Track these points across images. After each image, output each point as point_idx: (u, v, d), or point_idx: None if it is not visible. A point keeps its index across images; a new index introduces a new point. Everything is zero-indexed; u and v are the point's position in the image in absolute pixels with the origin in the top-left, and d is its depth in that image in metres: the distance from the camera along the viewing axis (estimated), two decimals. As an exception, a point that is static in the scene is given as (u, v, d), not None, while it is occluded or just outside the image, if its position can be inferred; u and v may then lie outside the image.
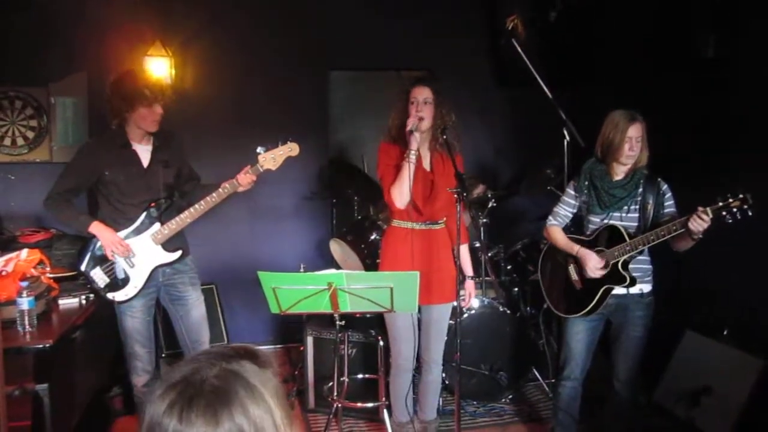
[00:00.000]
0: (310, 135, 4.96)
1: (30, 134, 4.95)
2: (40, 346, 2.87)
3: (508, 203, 5.21)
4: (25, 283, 3.00)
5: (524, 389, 4.51)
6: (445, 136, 3.30)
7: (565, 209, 3.52)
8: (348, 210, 5.14)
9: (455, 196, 3.09)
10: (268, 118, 5.24)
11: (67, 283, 3.70)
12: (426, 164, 3.43)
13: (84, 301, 3.49)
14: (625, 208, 3.30)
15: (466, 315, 4.23)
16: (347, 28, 5.40)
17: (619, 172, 3.32)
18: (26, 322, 2.96)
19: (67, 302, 3.47)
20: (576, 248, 3.38)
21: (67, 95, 5.00)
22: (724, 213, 2.85)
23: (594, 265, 3.28)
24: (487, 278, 4.52)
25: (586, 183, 3.39)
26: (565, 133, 4.36)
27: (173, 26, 5.08)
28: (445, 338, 3.62)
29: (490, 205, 4.65)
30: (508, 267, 4.78)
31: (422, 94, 3.33)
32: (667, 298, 4.38)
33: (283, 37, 5.34)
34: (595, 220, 3.38)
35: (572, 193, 3.48)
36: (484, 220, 4.62)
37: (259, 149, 3.40)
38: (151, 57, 4.97)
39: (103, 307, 3.57)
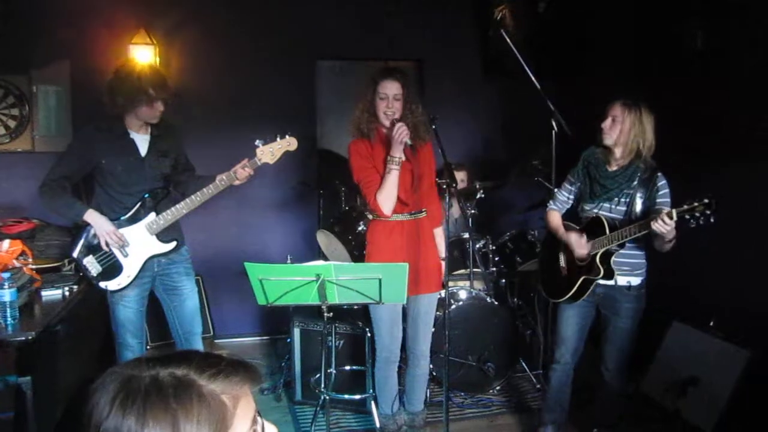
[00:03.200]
0: (297, 125, 4.87)
1: (11, 123, 4.86)
2: (23, 338, 2.82)
3: (495, 194, 5.20)
4: (6, 275, 2.95)
5: (512, 380, 4.50)
6: (434, 126, 3.28)
7: (563, 194, 3.55)
8: (335, 201, 5.10)
9: (442, 186, 3.08)
10: (254, 107, 5.20)
11: (49, 275, 3.65)
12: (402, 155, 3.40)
13: (67, 293, 3.44)
14: (615, 199, 3.28)
15: (453, 306, 4.22)
16: (335, 18, 5.36)
17: (614, 161, 3.28)
18: (8, 314, 2.91)
19: (50, 294, 3.42)
20: (561, 231, 3.43)
21: (50, 83, 4.92)
22: (687, 216, 2.80)
23: (576, 242, 3.29)
24: (475, 269, 4.50)
25: (583, 170, 3.39)
26: (554, 124, 4.35)
27: (158, 14, 5.01)
28: (432, 329, 3.61)
29: (478, 196, 4.63)
30: (496, 258, 4.77)
31: (392, 90, 3.29)
32: (653, 288, 4.41)
33: (270, 26, 5.29)
34: (587, 208, 3.39)
35: (570, 178, 3.51)
36: (473, 211, 4.60)
37: (257, 142, 3.37)
38: (136, 45, 4.89)
39: (88, 299, 3.52)
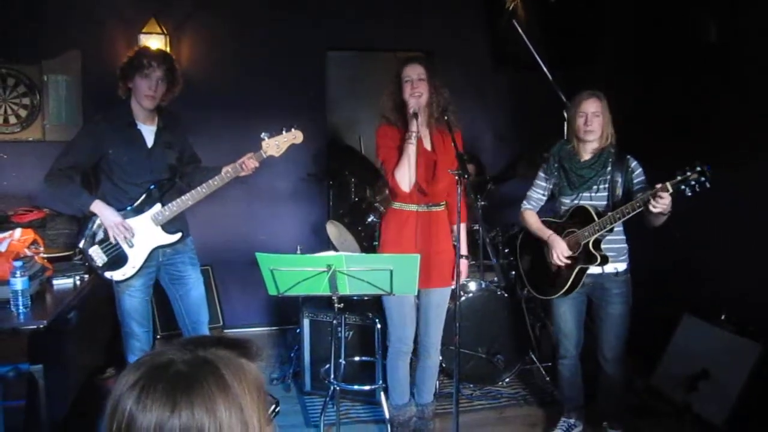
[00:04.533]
0: (308, 116, 4.91)
1: (22, 112, 4.87)
2: (35, 326, 2.83)
3: (505, 186, 5.18)
4: (18, 263, 2.96)
5: (521, 372, 4.49)
6: (446, 117, 3.26)
7: (537, 192, 3.59)
8: (345, 192, 5.10)
9: (456, 177, 3.06)
10: (264, 98, 5.18)
11: (60, 263, 3.66)
12: (427, 144, 3.39)
13: (78, 282, 3.45)
14: (594, 187, 3.36)
15: (463, 298, 4.21)
16: (345, 8, 5.34)
17: (586, 152, 3.38)
18: (20, 303, 2.92)
19: (61, 282, 3.44)
20: (548, 234, 3.45)
21: (61, 73, 4.92)
22: (683, 187, 2.88)
23: (560, 252, 3.36)
24: (485, 261, 4.49)
25: (556, 165, 3.45)
26: (565, 115, 4.32)
27: (168, 3, 5.00)
28: (443, 322, 3.60)
29: (488, 188, 4.62)
30: (506, 250, 4.76)
31: (415, 71, 3.29)
32: (664, 281, 4.39)
33: (281, 16, 5.27)
34: (566, 201, 3.44)
35: (543, 176, 3.56)
36: (483, 203, 4.59)
37: (263, 135, 3.37)
38: (146, 35, 4.88)
39: (98, 288, 3.53)
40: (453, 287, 3.39)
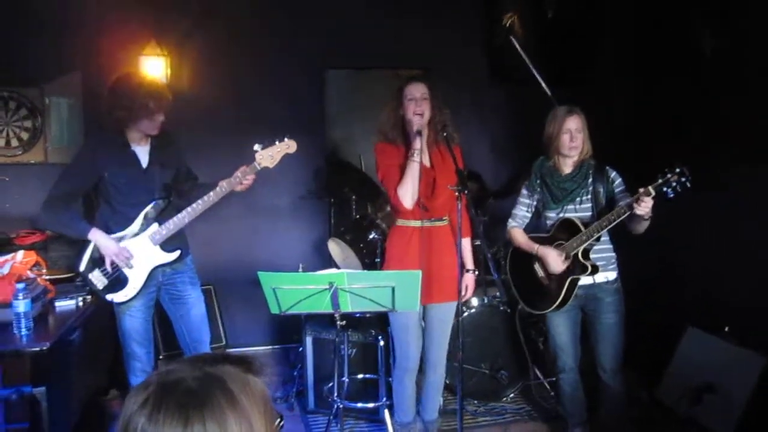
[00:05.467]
0: (307, 134, 4.92)
1: (24, 135, 4.90)
2: (37, 348, 2.83)
3: (506, 201, 5.19)
4: (21, 285, 2.96)
5: (525, 388, 4.47)
6: (445, 134, 3.28)
7: (522, 210, 3.63)
8: (346, 209, 5.10)
9: (454, 192, 3.08)
10: (264, 116, 5.20)
11: (63, 285, 3.66)
12: (426, 161, 3.40)
13: (81, 303, 3.45)
14: (578, 199, 3.43)
15: (466, 314, 4.20)
16: (344, 26, 5.37)
17: (567, 166, 3.45)
18: (23, 325, 2.92)
19: (64, 304, 3.44)
20: (536, 247, 3.49)
21: (62, 95, 4.95)
22: (665, 189, 2.98)
23: (554, 260, 3.39)
24: (487, 276, 4.49)
25: (538, 181, 3.52)
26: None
27: (168, 25, 5.03)
28: (449, 338, 3.59)
29: (488, 202, 4.63)
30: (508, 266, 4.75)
31: (419, 91, 3.32)
32: (668, 294, 4.39)
33: (280, 35, 5.31)
34: (551, 215, 3.50)
35: (526, 192, 3.61)
36: (484, 218, 4.60)
37: (256, 147, 3.39)
38: (147, 56, 4.92)
39: (100, 309, 3.53)
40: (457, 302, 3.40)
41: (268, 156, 3.39)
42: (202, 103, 5.08)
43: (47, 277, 3.54)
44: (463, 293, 3.47)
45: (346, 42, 5.40)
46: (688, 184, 2.95)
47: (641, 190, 3.03)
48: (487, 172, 5.58)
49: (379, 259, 4.21)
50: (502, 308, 4.34)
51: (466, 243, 3.57)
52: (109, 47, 4.87)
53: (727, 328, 3.93)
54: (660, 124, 4.73)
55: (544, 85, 4.35)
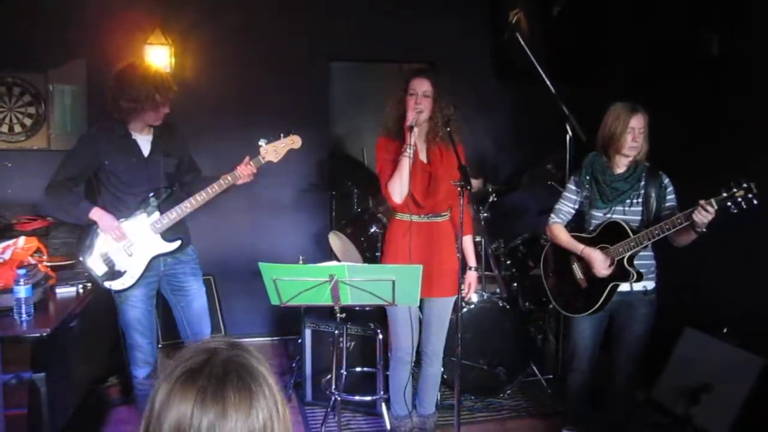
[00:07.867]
0: (311, 126, 4.91)
1: (28, 121, 4.90)
2: (37, 334, 2.83)
3: (508, 198, 5.20)
4: (22, 271, 2.96)
5: (523, 384, 4.48)
6: (449, 128, 3.27)
7: (567, 205, 3.48)
8: (347, 202, 5.11)
9: (458, 188, 3.07)
10: (268, 108, 5.21)
11: (64, 272, 3.66)
12: (423, 157, 3.40)
13: (81, 290, 3.45)
14: (628, 201, 3.28)
15: (465, 309, 4.21)
16: (348, 19, 5.37)
17: (621, 165, 3.31)
18: (23, 311, 2.92)
19: (65, 291, 3.43)
20: (581, 248, 3.34)
21: (66, 82, 4.96)
22: (729, 203, 2.83)
23: (601, 264, 3.25)
24: (487, 273, 4.49)
25: (588, 177, 3.36)
26: (568, 128, 4.34)
27: (173, 14, 5.03)
28: (446, 332, 3.60)
29: (490, 199, 4.63)
30: (508, 262, 4.77)
31: (422, 87, 3.29)
32: (666, 294, 4.38)
33: (284, 27, 5.30)
34: (598, 215, 3.35)
35: (574, 188, 3.45)
36: (485, 215, 4.60)
37: (261, 141, 3.38)
38: (151, 45, 4.92)
39: (100, 297, 3.53)
40: (456, 297, 3.40)
41: (273, 150, 3.39)
42: (205, 94, 5.09)
43: (48, 264, 3.54)
44: (465, 291, 3.48)
45: (350, 34, 5.40)
46: (755, 201, 2.78)
47: (702, 202, 2.86)
48: (490, 167, 5.60)
49: (379, 253, 4.22)
50: (501, 305, 4.34)
51: (468, 239, 3.56)
52: (113, 35, 4.89)
53: (725, 330, 3.93)
54: (666, 125, 4.71)
55: (548, 82, 4.34)
